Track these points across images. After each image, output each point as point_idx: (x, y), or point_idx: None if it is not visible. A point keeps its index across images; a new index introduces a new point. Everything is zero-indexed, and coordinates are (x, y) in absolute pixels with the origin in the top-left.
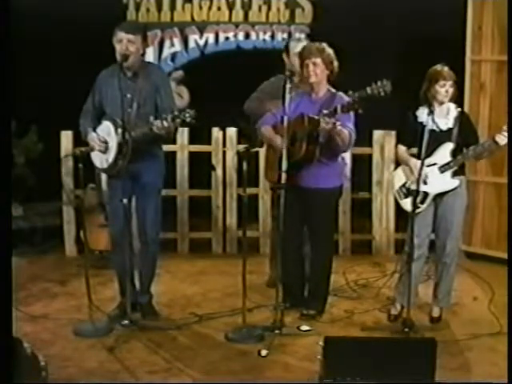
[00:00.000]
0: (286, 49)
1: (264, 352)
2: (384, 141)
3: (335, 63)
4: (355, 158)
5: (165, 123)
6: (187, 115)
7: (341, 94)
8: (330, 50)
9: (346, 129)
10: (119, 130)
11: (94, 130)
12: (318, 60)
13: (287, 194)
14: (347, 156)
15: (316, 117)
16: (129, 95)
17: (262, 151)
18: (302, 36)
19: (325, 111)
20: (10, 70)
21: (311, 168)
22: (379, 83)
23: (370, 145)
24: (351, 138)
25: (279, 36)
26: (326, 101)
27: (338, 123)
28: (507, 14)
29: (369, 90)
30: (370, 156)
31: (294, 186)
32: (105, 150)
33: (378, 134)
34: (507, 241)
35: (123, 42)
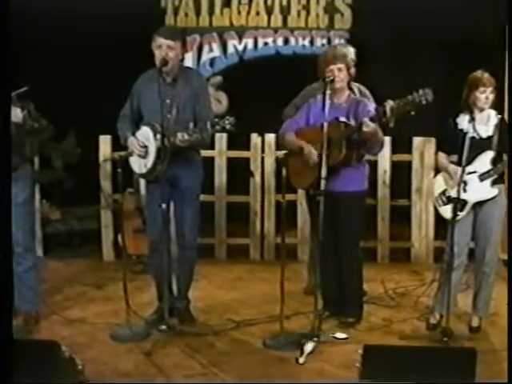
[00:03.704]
0: None
1: (302, 359)
2: (424, 148)
3: (353, 69)
4: (394, 165)
5: (186, 136)
6: (227, 122)
7: (365, 100)
8: (350, 55)
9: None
10: (158, 136)
11: (133, 134)
12: (343, 65)
13: (315, 200)
14: None
15: (351, 121)
16: (168, 101)
17: None
18: (342, 42)
19: (370, 113)
20: (10, 71)
21: (340, 172)
22: (421, 91)
23: (410, 152)
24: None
25: (318, 42)
26: (350, 106)
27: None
28: (507, 14)
29: (410, 98)
30: (409, 163)
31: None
32: (144, 155)
33: (417, 140)
34: (507, 242)
35: (162, 48)
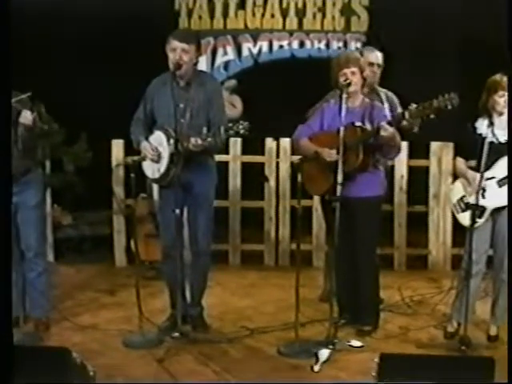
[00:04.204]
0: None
1: (317, 367)
2: (441, 153)
3: (366, 72)
4: (412, 170)
5: (199, 141)
6: (241, 127)
7: (379, 103)
8: (362, 59)
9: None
10: (171, 141)
11: (146, 139)
12: (356, 69)
13: (331, 206)
14: None
15: (366, 126)
16: (181, 105)
17: None
18: (358, 45)
19: (386, 117)
20: (11, 71)
21: (356, 177)
22: (446, 96)
23: (427, 157)
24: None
25: (334, 45)
26: (364, 110)
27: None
28: (507, 14)
29: (435, 102)
30: (426, 168)
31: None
32: (157, 160)
33: (435, 145)
34: (507, 244)
35: (177, 51)
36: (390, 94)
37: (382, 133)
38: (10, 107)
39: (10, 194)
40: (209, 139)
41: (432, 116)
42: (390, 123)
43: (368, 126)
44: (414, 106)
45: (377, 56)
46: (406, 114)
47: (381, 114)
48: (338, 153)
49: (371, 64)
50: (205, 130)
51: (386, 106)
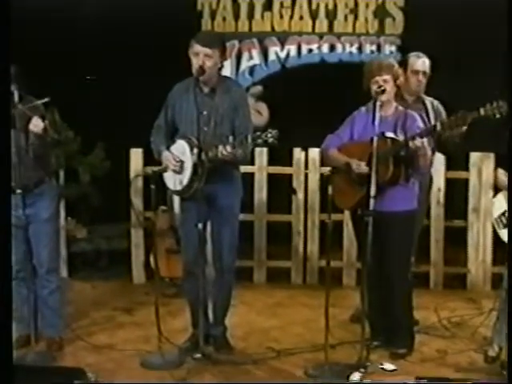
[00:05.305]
0: (404, 63)
1: None
2: (482, 164)
3: (401, 79)
4: (450, 183)
5: (228, 149)
6: (269, 135)
7: (412, 112)
8: (397, 66)
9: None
10: (195, 150)
11: (168, 148)
12: (389, 77)
13: (362, 221)
14: None
15: (398, 136)
16: (205, 112)
17: None
18: (393, 49)
19: (419, 128)
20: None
21: (388, 190)
22: (494, 104)
23: (467, 168)
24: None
25: (367, 48)
26: (397, 119)
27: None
28: (507, 14)
29: (482, 110)
30: (466, 180)
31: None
32: (180, 171)
33: (475, 156)
34: (507, 246)
35: (200, 56)
36: (436, 102)
37: (412, 145)
38: (10, 109)
39: (9, 206)
40: (240, 150)
41: (464, 128)
42: (420, 135)
43: (400, 137)
44: (457, 113)
45: (423, 63)
46: (438, 126)
47: (414, 125)
48: (368, 164)
49: (416, 72)
50: (231, 138)
51: (432, 115)
